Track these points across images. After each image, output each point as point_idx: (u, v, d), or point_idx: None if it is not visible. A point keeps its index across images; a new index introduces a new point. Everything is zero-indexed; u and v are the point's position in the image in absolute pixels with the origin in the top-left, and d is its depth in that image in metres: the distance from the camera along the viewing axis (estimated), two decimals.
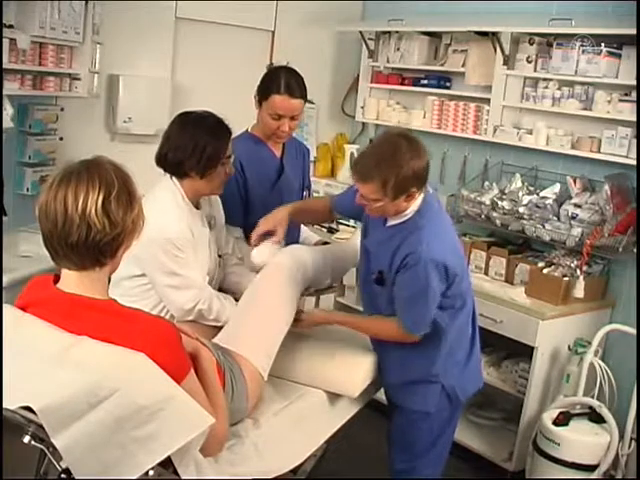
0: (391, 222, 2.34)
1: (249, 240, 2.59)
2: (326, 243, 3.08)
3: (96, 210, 1.51)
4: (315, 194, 2.97)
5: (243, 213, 2.77)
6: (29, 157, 3.48)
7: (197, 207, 2.46)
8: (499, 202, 3.67)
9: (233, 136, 2.75)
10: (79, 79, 3.51)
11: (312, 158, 4.72)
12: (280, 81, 2.67)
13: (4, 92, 3.05)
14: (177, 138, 2.34)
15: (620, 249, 3.27)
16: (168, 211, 2.31)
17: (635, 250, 3.28)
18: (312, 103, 4.67)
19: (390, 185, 2.16)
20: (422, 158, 2.23)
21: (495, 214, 3.70)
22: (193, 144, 2.30)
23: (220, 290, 2.62)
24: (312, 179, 4.12)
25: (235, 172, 2.71)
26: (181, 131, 2.35)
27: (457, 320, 2.39)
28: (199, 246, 2.40)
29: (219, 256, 2.57)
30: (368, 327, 2.47)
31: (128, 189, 1.59)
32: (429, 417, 2.47)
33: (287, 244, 2.64)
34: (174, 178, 2.39)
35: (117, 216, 1.54)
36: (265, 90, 2.70)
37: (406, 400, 2.49)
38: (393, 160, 2.17)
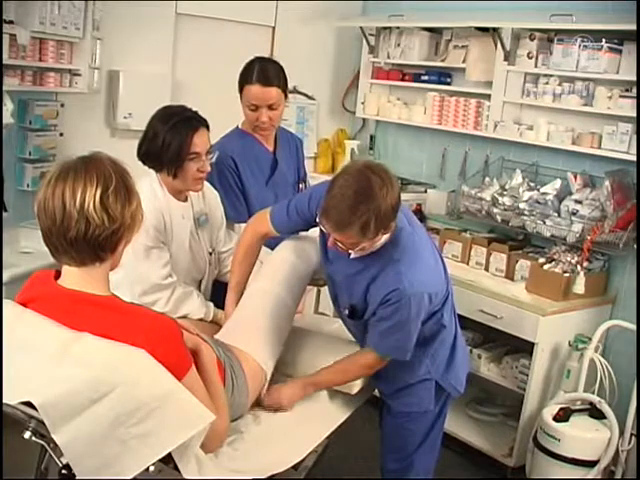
0: (357, 254, 2.17)
1: None
2: None
3: (94, 205, 1.51)
4: None
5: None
6: (29, 153, 3.47)
7: (184, 200, 2.45)
8: (500, 198, 3.67)
9: (225, 133, 2.74)
10: (79, 75, 3.50)
11: (312, 154, 4.74)
12: (253, 71, 2.66)
13: (4, 88, 3.05)
14: (150, 133, 2.33)
15: (621, 245, 3.27)
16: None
17: (635, 246, 3.28)
18: (313, 99, 4.68)
19: (371, 228, 1.98)
20: (395, 187, 2.02)
21: (496, 210, 3.70)
22: (160, 142, 2.29)
23: (221, 285, 2.63)
24: (313, 175, 4.12)
25: (230, 169, 2.70)
26: (153, 126, 2.33)
27: (440, 320, 2.32)
28: (174, 238, 2.39)
29: (210, 253, 2.57)
30: (345, 376, 2.31)
31: (126, 184, 1.59)
32: (421, 415, 2.45)
33: None
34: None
35: (115, 210, 1.54)
36: (240, 81, 2.70)
37: (401, 404, 2.46)
38: (370, 202, 1.95)
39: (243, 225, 2.70)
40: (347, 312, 2.30)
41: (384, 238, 2.13)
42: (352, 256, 2.19)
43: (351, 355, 2.32)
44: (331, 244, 2.09)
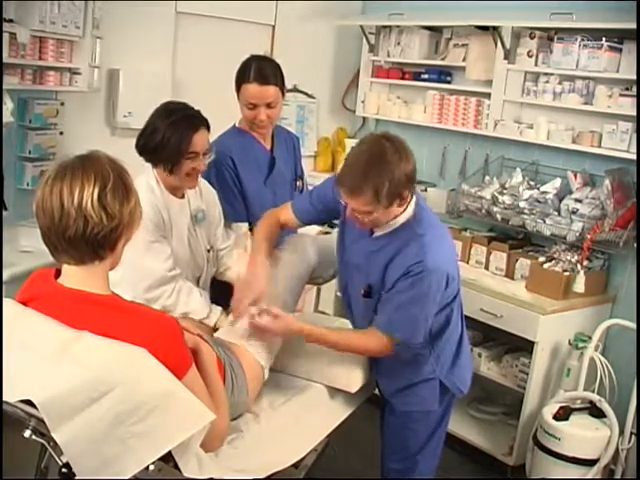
0: (379, 232, 2.23)
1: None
2: (327, 233, 3.07)
3: (92, 203, 1.51)
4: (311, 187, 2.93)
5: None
6: (29, 152, 3.47)
7: (181, 196, 2.45)
8: (500, 197, 3.67)
9: (222, 131, 2.73)
10: (79, 73, 3.50)
11: (312, 153, 4.74)
12: (250, 70, 2.66)
13: (4, 86, 3.05)
14: (150, 126, 2.33)
15: (621, 244, 3.27)
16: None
17: (635, 245, 3.28)
18: (313, 97, 4.67)
19: (384, 193, 2.02)
20: (410, 159, 2.08)
21: (496, 209, 3.70)
22: (159, 137, 2.29)
23: (219, 283, 2.63)
24: (313, 174, 4.11)
25: (228, 168, 2.70)
26: (154, 121, 2.33)
27: (449, 316, 2.33)
28: (173, 233, 2.39)
29: (208, 251, 2.56)
30: (348, 344, 2.28)
31: (124, 182, 1.58)
32: (425, 415, 2.45)
33: None
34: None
35: (114, 208, 1.54)
36: (237, 80, 2.70)
37: (404, 403, 2.45)
38: (382, 166, 2.01)
39: (241, 224, 2.71)
40: (362, 292, 2.29)
41: (403, 215, 2.16)
42: (375, 235, 2.22)
43: (362, 330, 2.31)
44: (349, 215, 2.12)
